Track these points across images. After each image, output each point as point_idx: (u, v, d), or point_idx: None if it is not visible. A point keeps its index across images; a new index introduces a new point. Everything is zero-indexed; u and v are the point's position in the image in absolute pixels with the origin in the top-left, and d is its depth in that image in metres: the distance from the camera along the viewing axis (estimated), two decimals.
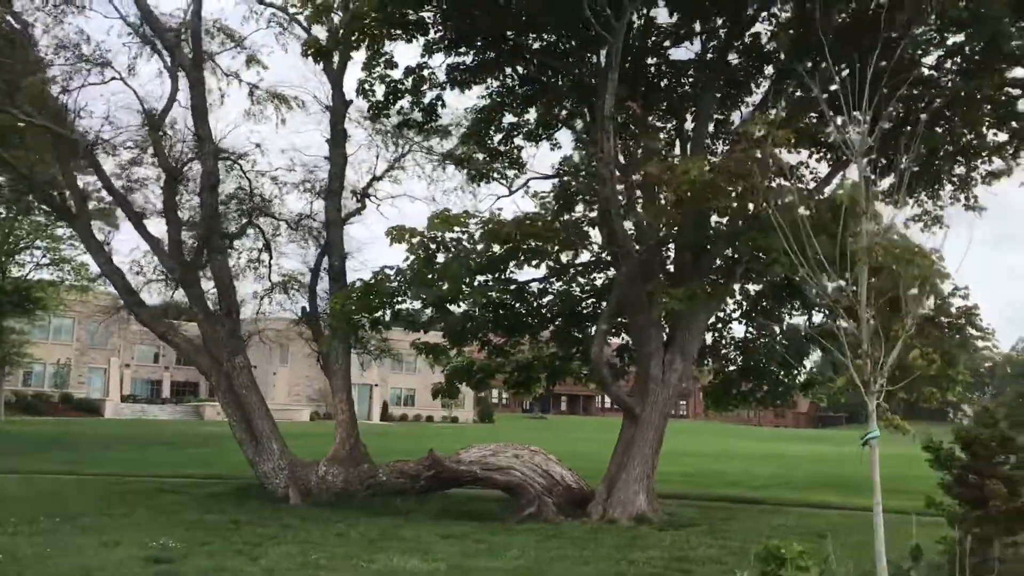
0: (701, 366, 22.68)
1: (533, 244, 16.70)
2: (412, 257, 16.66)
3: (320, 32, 19.00)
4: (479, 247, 16.38)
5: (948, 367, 20.52)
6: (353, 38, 17.51)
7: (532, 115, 21.73)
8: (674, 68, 20.81)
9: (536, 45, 19.95)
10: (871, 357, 7.78)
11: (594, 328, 17.40)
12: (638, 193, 16.77)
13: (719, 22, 18.97)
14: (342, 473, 17.59)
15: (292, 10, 20.56)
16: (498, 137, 22.30)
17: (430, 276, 16.20)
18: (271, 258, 25.03)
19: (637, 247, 16.25)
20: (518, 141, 22.51)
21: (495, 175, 22.74)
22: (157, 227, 20.46)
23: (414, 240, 15.88)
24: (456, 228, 16.03)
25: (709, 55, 19.77)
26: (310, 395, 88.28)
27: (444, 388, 22.25)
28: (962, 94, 18.82)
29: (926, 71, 18.84)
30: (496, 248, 16.87)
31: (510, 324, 19.96)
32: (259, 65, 22.43)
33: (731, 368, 22.01)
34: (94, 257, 19.27)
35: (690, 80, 20.52)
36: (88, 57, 20.24)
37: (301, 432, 45.60)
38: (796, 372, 22.71)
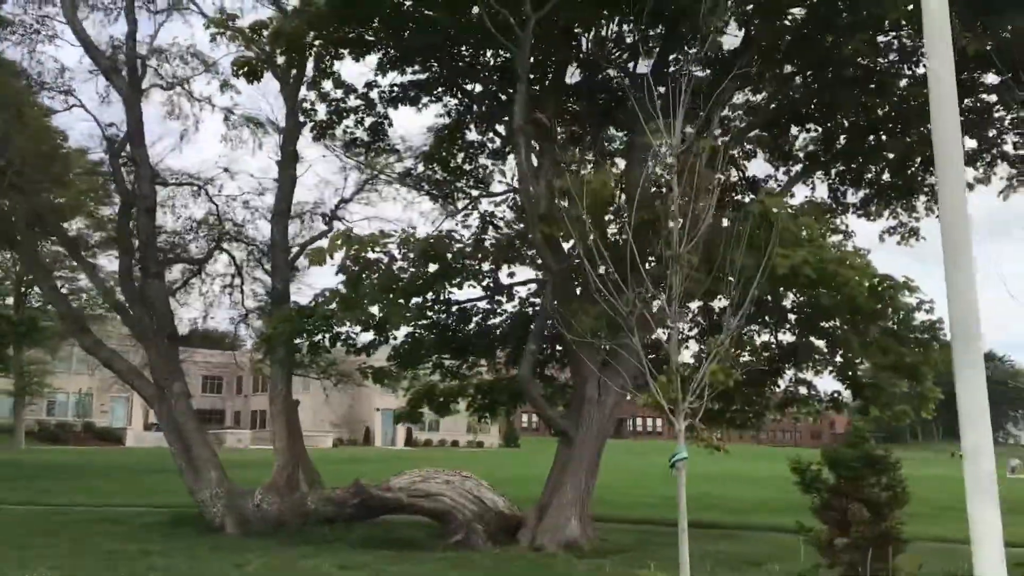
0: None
1: (463, 262, 16.29)
2: (342, 279, 16.31)
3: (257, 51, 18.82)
4: (403, 266, 15.96)
5: (917, 383, 19.79)
6: (284, 57, 17.28)
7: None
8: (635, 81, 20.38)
9: (493, 62, 19.63)
10: (678, 374, 7.24)
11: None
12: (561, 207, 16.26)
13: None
14: (277, 502, 17.17)
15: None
16: (461, 156, 22.02)
17: (354, 298, 15.80)
18: (242, 283, 24.98)
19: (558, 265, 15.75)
20: (484, 160, 22.23)
21: (459, 194, 22.42)
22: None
23: (334, 260, 15.48)
24: (375, 248, 15.60)
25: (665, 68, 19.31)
26: (333, 421, 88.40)
27: (406, 413, 21.87)
28: (916, 102, 18.15)
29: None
30: (431, 267, 16.50)
31: (458, 346, 19.52)
32: (233, 89, 22.34)
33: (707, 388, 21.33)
34: (38, 284, 19.18)
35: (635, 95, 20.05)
36: (50, 84, 20.32)
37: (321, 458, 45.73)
38: (766, 391, 22.03)
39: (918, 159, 20.76)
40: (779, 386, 22.56)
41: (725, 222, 15.03)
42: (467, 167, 22.14)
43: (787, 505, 26.61)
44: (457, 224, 19.53)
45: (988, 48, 16.26)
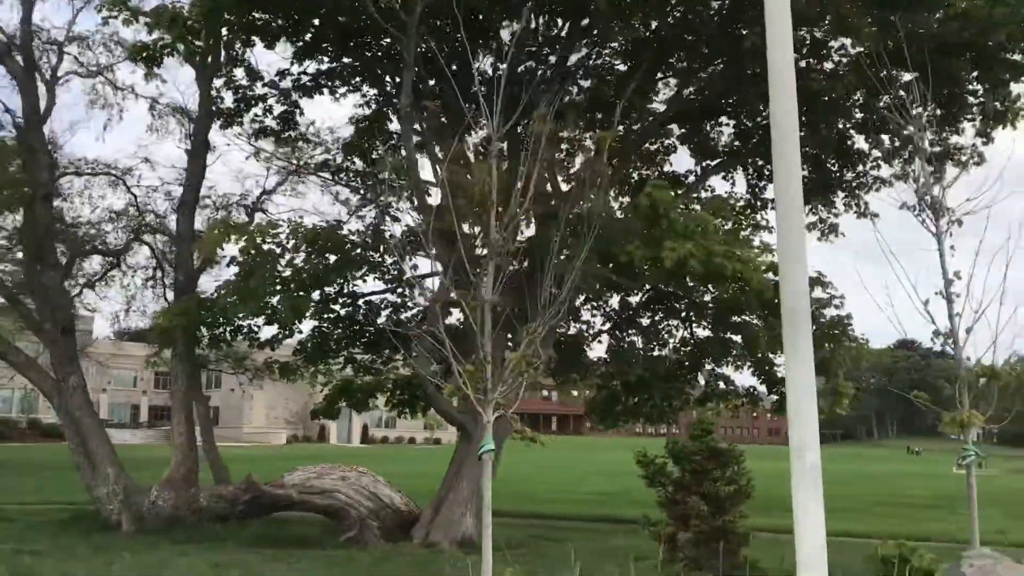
0: (580, 381, 21.94)
1: (362, 254, 15.99)
2: (237, 271, 15.97)
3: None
4: (298, 258, 15.63)
5: (827, 379, 19.78)
6: (183, 43, 16.83)
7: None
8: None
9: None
10: (489, 363, 7.02)
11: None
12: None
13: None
14: (172, 498, 16.78)
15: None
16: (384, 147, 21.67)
17: (250, 290, 15.43)
18: (163, 276, 24.46)
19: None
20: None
21: (381, 186, 22.05)
22: None
23: (224, 251, 15.13)
24: (266, 239, 15.25)
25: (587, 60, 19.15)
26: (287, 418, 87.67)
27: (323, 408, 21.55)
28: (826, 97, 18.08)
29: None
30: (330, 259, 16.19)
31: (370, 340, 19.21)
32: (158, 78, 21.84)
33: (616, 382, 21.22)
34: None
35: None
36: None
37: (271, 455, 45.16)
38: (681, 386, 21.97)
39: (834, 156, 20.80)
40: (698, 381, 22.55)
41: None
42: (389, 159, 21.82)
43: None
44: (362, 215, 19.20)
45: (891, 45, 16.26)
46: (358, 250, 15.82)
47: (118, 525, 16.66)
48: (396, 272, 17.04)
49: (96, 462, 17.38)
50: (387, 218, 18.52)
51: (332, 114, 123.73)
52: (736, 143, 20.43)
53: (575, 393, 24.20)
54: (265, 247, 15.49)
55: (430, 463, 42.87)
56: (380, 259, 16.74)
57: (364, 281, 17.12)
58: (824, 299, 19.35)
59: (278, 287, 15.57)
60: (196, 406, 21.21)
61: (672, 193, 14.04)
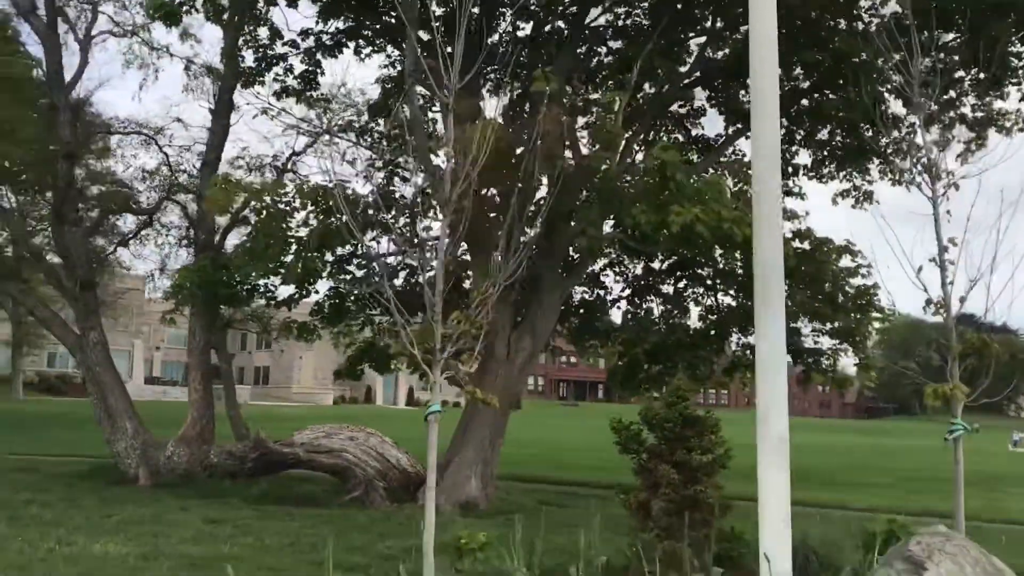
0: (604, 346, 21.69)
1: (372, 214, 15.86)
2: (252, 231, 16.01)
3: None
4: (307, 216, 15.56)
5: (855, 351, 19.31)
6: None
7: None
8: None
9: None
10: (437, 324, 6.85)
11: None
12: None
13: None
14: (187, 454, 17.00)
15: None
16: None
17: (261, 250, 15.42)
18: (196, 235, 24.69)
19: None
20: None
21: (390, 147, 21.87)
22: None
23: (230, 208, 15.10)
24: (273, 197, 15.20)
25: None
26: (336, 379, 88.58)
27: (346, 370, 21.60)
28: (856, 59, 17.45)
29: None
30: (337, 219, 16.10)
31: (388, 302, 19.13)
32: (193, 39, 21.91)
33: (637, 349, 20.92)
34: None
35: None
36: None
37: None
38: (712, 353, 21.60)
39: (867, 121, 20.14)
40: (724, 351, 22.16)
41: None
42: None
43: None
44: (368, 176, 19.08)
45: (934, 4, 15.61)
46: (368, 211, 15.66)
47: (135, 479, 16.96)
48: (407, 234, 16.92)
49: (115, 417, 17.64)
50: (396, 179, 18.37)
51: (360, 75, 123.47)
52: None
53: (597, 361, 23.89)
54: (276, 206, 15.44)
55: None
56: (393, 220, 16.63)
57: (377, 243, 17.01)
58: (851, 268, 18.88)
59: (292, 247, 15.53)
60: (221, 364, 21.50)
61: (680, 155, 13.65)
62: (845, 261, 19.06)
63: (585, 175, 14.53)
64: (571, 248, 16.36)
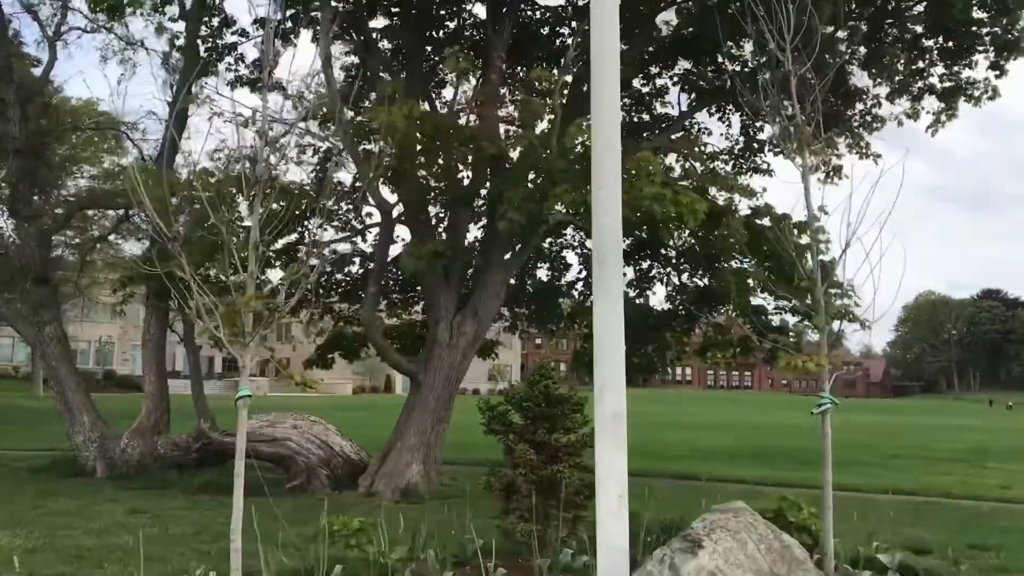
0: (568, 329, 21.52)
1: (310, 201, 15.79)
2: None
3: None
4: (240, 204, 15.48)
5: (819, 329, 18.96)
6: None
7: None
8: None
9: None
10: (246, 305, 6.74)
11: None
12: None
13: None
14: (140, 446, 17.08)
15: None
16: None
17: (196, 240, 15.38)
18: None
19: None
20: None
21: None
22: None
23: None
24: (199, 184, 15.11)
25: None
26: (355, 369, 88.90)
27: (316, 359, 21.60)
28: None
29: None
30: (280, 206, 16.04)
31: (345, 290, 19.13)
32: (168, 32, 21.89)
33: None
34: None
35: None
36: None
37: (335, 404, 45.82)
38: (682, 334, 21.39)
39: (830, 93, 19.78)
40: (695, 330, 21.93)
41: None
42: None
43: (717, 452, 26.12)
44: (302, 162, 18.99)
45: None
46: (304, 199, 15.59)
47: (93, 472, 17.07)
48: (346, 220, 16.86)
49: (73, 410, 17.74)
50: (332, 164, 18.26)
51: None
52: (716, 81, 19.59)
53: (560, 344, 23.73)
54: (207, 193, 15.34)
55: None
56: (335, 207, 16.56)
57: (324, 230, 16.94)
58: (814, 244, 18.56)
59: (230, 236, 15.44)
60: (188, 356, 21.55)
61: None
62: (806, 238, 18.77)
63: (520, 158, 14.36)
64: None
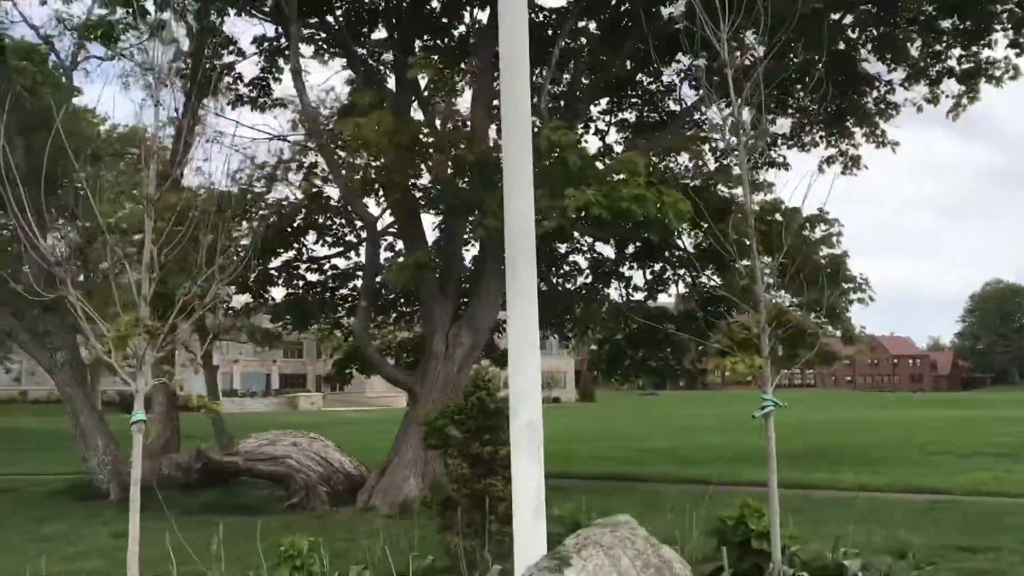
0: (583, 336, 21.19)
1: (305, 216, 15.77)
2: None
3: None
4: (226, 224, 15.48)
5: (832, 324, 18.45)
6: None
7: None
8: None
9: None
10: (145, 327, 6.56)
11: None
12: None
13: None
14: (148, 467, 17.12)
15: None
16: None
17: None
18: None
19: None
20: None
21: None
22: None
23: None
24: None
25: None
26: None
27: (335, 374, 21.58)
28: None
29: None
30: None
31: (353, 304, 19.04)
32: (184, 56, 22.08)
33: (618, 336, 20.39)
34: None
35: None
36: None
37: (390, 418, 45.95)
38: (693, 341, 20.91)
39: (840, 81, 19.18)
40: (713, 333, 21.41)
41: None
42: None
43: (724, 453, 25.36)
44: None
45: None
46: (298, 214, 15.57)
47: (107, 494, 17.21)
48: (340, 234, 16.75)
49: (87, 434, 17.91)
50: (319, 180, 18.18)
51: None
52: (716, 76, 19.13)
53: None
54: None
55: (549, 424, 42.65)
56: (329, 221, 16.47)
57: (322, 245, 16.88)
58: (822, 236, 18.07)
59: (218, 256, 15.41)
60: (205, 375, 21.69)
61: (572, 135, 13.04)
62: (819, 231, 18.30)
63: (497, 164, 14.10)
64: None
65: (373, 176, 13.66)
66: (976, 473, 19.61)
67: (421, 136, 13.26)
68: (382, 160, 12.83)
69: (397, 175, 13.30)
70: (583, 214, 12.56)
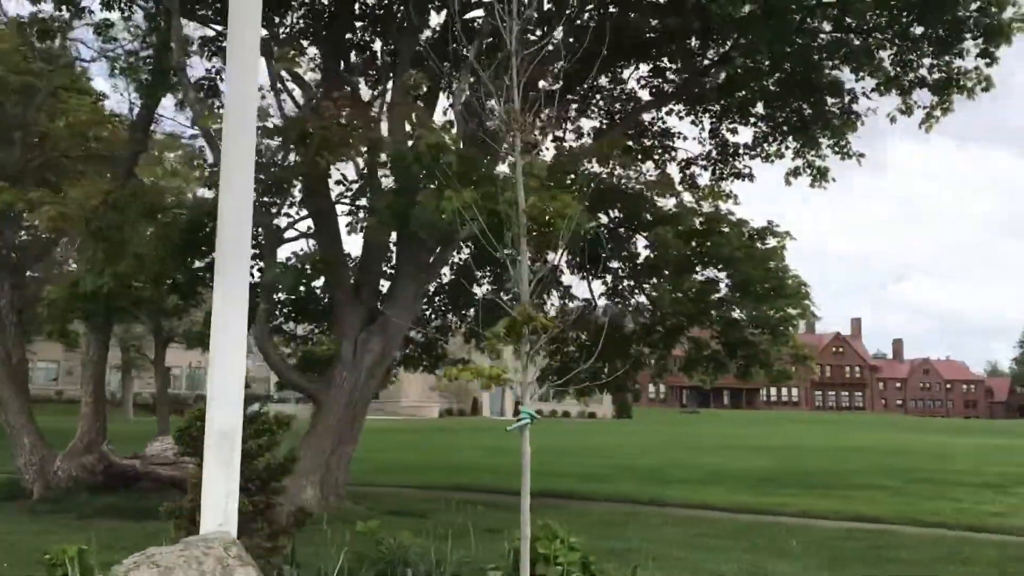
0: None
1: None
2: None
3: None
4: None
5: (775, 341, 17.75)
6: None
7: None
8: None
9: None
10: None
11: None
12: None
13: None
14: (70, 468, 17.01)
15: None
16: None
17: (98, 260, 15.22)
18: None
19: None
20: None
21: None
22: None
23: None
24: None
25: None
26: (442, 392, 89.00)
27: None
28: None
29: None
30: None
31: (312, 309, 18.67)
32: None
33: (570, 348, 19.82)
34: None
35: None
36: None
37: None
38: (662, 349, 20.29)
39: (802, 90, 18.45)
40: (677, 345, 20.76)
41: None
42: None
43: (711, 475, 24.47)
44: None
45: None
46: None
47: (31, 495, 17.09)
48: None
49: (15, 433, 17.81)
50: None
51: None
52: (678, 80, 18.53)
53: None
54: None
55: (559, 437, 41.63)
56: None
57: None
58: (771, 248, 17.44)
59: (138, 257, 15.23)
60: (156, 373, 21.54)
61: (446, 137, 12.53)
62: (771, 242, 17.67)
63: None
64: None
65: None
66: (940, 503, 18.66)
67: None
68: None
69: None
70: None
